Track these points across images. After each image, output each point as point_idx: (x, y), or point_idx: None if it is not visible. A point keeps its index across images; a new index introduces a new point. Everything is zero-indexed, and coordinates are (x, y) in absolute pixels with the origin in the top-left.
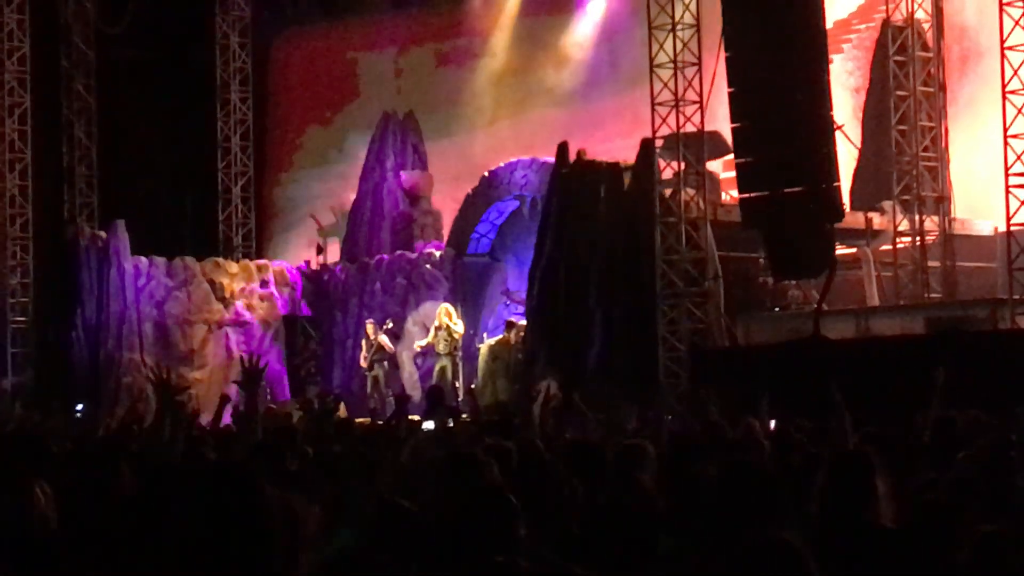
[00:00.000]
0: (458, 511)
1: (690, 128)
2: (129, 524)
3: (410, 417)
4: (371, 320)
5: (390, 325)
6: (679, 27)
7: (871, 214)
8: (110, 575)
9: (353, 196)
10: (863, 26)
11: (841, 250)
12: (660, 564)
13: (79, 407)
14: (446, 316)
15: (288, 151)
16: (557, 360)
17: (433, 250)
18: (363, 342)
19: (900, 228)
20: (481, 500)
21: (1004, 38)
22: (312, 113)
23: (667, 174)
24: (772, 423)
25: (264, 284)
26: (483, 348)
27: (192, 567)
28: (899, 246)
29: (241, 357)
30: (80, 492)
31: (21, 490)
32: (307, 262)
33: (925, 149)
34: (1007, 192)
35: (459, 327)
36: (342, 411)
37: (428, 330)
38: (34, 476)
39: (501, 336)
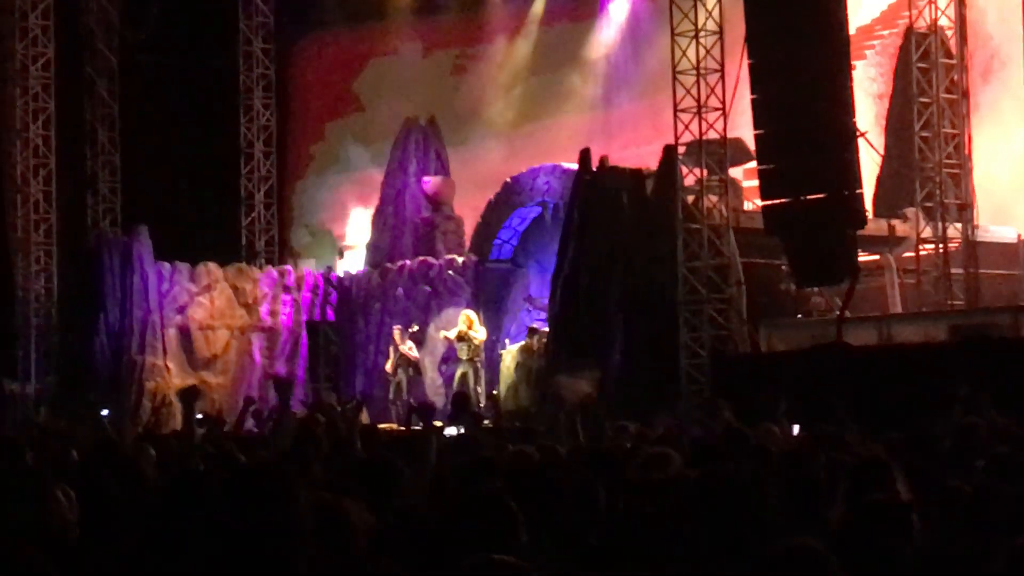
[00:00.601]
0: (458, 517)
1: (712, 135)
2: (155, 529)
3: (434, 423)
4: (398, 326)
5: (415, 328)
6: (702, 33)
7: (894, 221)
8: None
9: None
10: (886, 32)
11: (864, 257)
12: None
13: (105, 412)
14: (466, 323)
15: (311, 156)
16: (579, 367)
17: (455, 256)
18: (390, 348)
19: (923, 235)
20: (481, 506)
21: None
22: (335, 118)
23: (689, 181)
24: (795, 428)
25: (287, 290)
26: (505, 354)
27: (223, 569)
28: (922, 253)
29: (273, 376)
30: (105, 497)
31: (42, 495)
32: (330, 267)
33: (948, 156)
34: None
35: (480, 334)
36: (364, 417)
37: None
38: (56, 480)
39: (523, 342)
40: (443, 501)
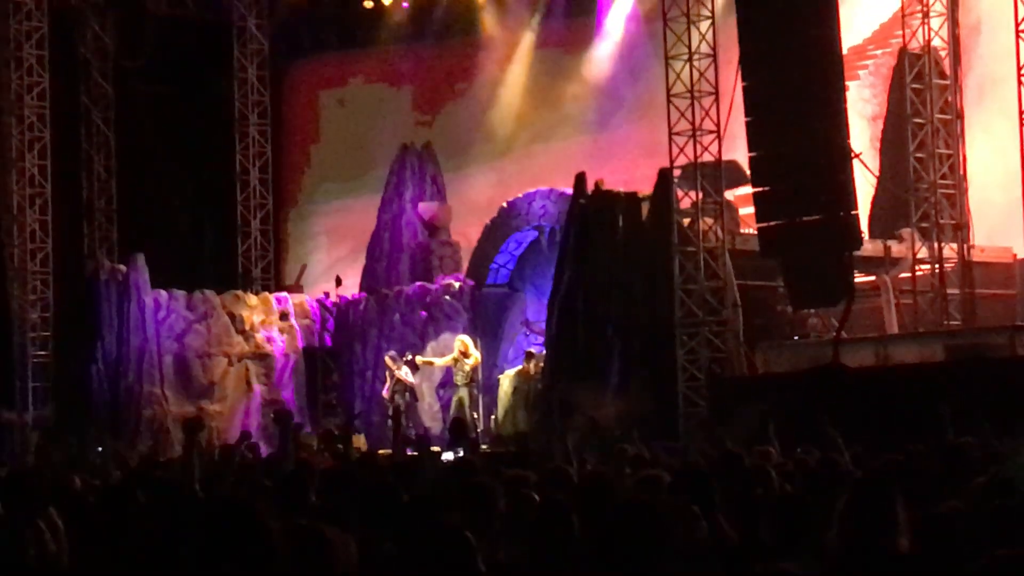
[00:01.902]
0: (420, 549)
1: (708, 157)
2: (143, 559)
3: (432, 448)
4: (391, 353)
5: (409, 357)
6: (696, 57)
7: (889, 242)
8: None
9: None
10: (879, 52)
11: (860, 278)
12: None
13: (99, 449)
14: (462, 348)
15: (306, 183)
16: (577, 391)
17: (452, 281)
18: (386, 373)
19: (919, 255)
20: (440, 539)
21: (1021, 65)
22: (329, 145)
23: (685, 203)
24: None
25: (284, 316)
26: (503, 379)
27: None
28: (918, 274)
29: (274, 411)
30: (97, 528)
31: (23, 528)
32: (326, 294)
33: (943, 176)
34: None
35: (471, 359)
36: (362, 443)
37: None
38: (40, 511)
39: (521, 367)
40: (409, 532)
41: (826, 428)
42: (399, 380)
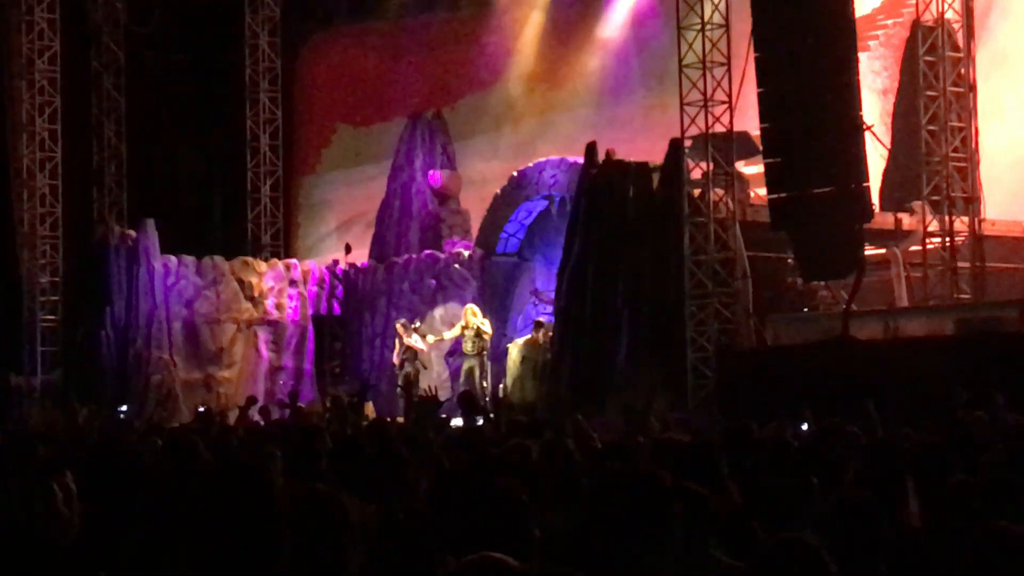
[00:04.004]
0: (471, 513)
1: (719, 128)
2: (152, 523)
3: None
4: (402, 320)
5: (418, 325)
6: (708, 27)
7: (900, 215)
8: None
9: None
10: (890, 21)
11: (870, 251)
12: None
13: (122, 408)
14: (473, 316)
15: (317, 151)
16: (584, 361)
17: (462, 250)
18: (396, 341)
19: (930, 229)
20: (494, 502)
21: None
22: (341, 113)
23: (695, 174)
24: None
25: (293, 284)
26: (512, 348)
27: (204, 565)
28: (928, 247)
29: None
30: (107, 492)
31: (37, 490)
32: (336, 261)
33: (955, 150)
34: None
35: (488, 327)
36: (370, 410)
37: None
38: (55, 473)
39: (529, 336)
40: (450, 496)
41: (864, 401)
42: (409, 347)
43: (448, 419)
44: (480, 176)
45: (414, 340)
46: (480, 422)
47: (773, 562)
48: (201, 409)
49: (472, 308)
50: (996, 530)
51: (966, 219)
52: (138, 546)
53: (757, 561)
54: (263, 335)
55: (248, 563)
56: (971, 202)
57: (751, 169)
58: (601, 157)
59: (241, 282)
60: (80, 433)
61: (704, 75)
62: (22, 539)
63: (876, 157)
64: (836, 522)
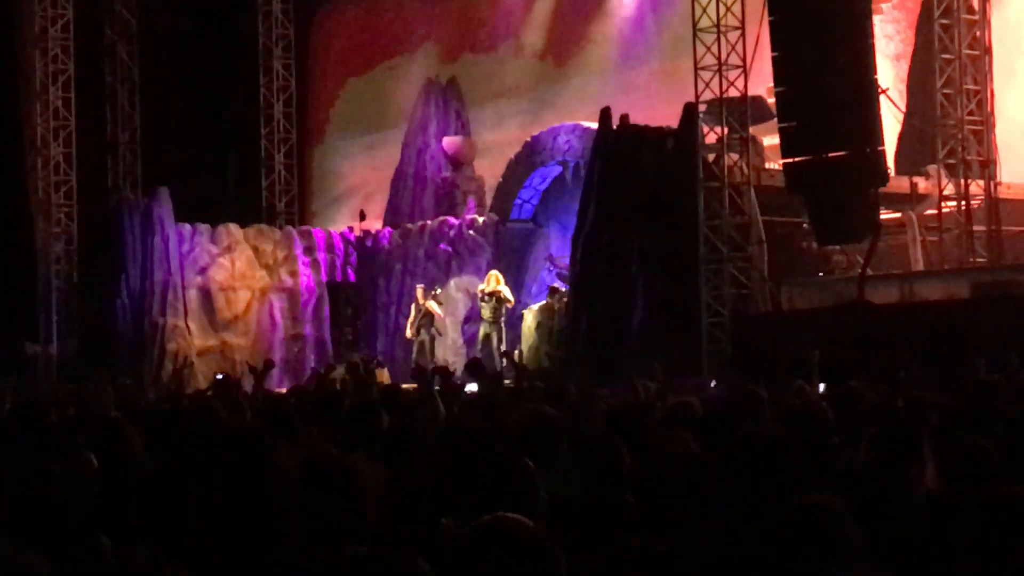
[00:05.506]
0: (477, 477)
1: (733, 92)
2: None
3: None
4: (421, 285)
5: (439, 291)
6: None
7: (916, 178)
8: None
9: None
10: None
11: (886, 215)
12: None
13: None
14: (496, 282)
15: (330, 118)
16: (598, 327)
17: (476, 216)
18: (412, 307)
19: (945, 192)
20: (498, 466)
21: None
22: (355, 80)
23: (710, 139)
24: (821, 387)
25: (307, 251)
26: (527, 314)
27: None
28: (944, 211)
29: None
30: (124, 462)
31: (75, 458)
32: (350, 228)
33: (971, 113)
34: None
35: (510, 295)
36: (385, 377)
37: (472, 296)
38: (72, 442)
39: (544, 302)
40: (458, 461)
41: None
42: (428, 312)
43: (462, 385)
44: (494, 141)
45: (432, 305)
46: (486, 386)
47: (798, 524)
48: (219, 377)
49: (496, 275)
50: (1013, 494)
51: (982, 183)
52: (148, 513)
53: (782, 523)
54: (278, 302)
55: (253, 527)
56: (987, 165)
57: (768, 140)
58: (616, 122)
59: (256, 250)
60: (93, 404)
61: (718, 39)
62: (40, 503)
63: (891, 121)
64: (853, 485)
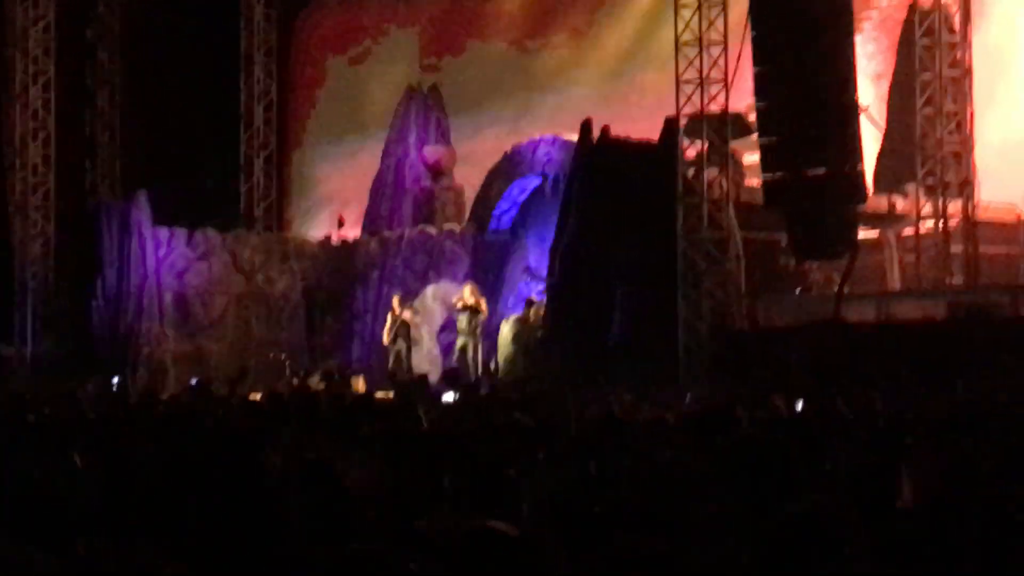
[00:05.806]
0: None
1: (714, 107)
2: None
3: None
4: (398, 294)
5: (414, 304)
6: (706, 5)
7: (894, 197)
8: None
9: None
10: (884, 2)
11: (863, 233)
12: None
13: (116, 379)
14: (472, 295)
15: (311, 125)
16: (576, 339)
17: (454, 226)
18: (388, 316)
19: (923, 212)
20: (478, 471)
21: None
22: (335, 86)
23: (690, 154)
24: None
25: (285, 257)
26: (503, 325)
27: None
28: (922, 231)
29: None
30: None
31: (42, 458)
32: (328, 235)
33: (950, 133)
34: None
35: (484, 307)
36: (361, 385)
37: (447, 306)
38: (60, 444)
39: (521, 313)
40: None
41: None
42: (404, 322)
43: (439, 394)
44: (474, 152)
45: (409, 315)
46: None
47: (797, 524)
48: (194, 381)
49: (471, 287)
50: (994, 508)
51: (959, 203)
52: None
53: (773, 529)
54: (254, 308)
55: (248, 528)
56: (965, 186)
57: (749, 159)
58: (596, 135)
59: (233, 255)
60: (81, 406)
61: (701, 54)
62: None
63: (870, 139)
64: (831, 500)
